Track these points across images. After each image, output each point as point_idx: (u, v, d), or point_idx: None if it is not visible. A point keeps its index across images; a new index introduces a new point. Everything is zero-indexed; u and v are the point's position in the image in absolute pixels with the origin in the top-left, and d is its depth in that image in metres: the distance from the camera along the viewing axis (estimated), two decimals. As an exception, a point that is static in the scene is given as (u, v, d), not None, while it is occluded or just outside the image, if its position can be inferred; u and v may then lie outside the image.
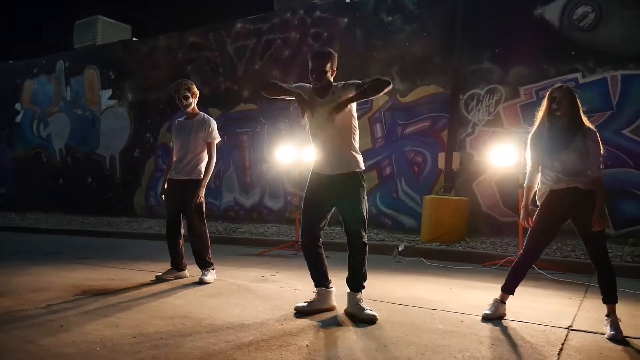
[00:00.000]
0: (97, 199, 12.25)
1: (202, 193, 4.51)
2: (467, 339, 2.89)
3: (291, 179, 8.95)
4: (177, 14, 16.51)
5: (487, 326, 3.19)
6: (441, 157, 7.91)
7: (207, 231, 4.66)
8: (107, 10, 13.49)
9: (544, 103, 3.33)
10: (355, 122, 3.42)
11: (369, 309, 3.29)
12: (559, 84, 3.42)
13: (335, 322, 3.21)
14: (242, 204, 10.17)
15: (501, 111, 7.71)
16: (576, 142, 3.18)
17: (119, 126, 12.13)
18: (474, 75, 7.92)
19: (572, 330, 3.16)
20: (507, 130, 7.52)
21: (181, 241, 4.69)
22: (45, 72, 13.61)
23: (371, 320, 3.18)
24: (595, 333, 3.09)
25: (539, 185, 3.36)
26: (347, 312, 3.34)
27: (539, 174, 3.35)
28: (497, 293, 3.45)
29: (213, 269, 4.61)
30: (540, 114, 3.37)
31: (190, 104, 4.63)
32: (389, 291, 4.23)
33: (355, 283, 3.37)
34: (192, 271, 4.71)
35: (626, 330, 3.06)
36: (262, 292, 4.12)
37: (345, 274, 3.42)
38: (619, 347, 2.86)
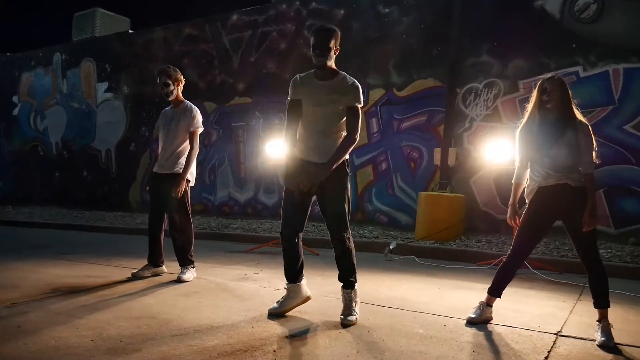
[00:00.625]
0: (93, 192, 12.14)
1: (182, 187, 4.32)
2: (446, 345, 2.72)
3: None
4: (176, 5, 16.38)
5: (471, 331, 3.02)
6: (437, 152, 7.68)
7: (192, 227, 4.48)
8: (106, 2, 13.40)
9: (534, 94, 3.13)
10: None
11: (355, 312, 3.11)
12: (550, 75, 3.21)
13: (308, 324, 3.05)
14: (236, 199, 10.00)
15: (499, 105, 7.49)
16: (567, 137, 2.98)
17: (114, 119, 11.98)
18: (472, 69, 7.69)
19: (560, 336, 2.98)
20: (506, 125, 7.28)
21: (162, 237, 4.53)
22: (42, 65, 13.47)
23: (348, 326, 3.01)
24: (585, 339, 2.91)
25: (528, 181, 3.16)
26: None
27: (528, 170, 3.16)
28: (486, 295, 3.26)
29: (193, 267, 4.44)
30: (529, 106, 3.17)
31: (172, 91, 4.39)
32: (374, 291, 4.05)
33: (342, 278, 3.19)
34: (173, 269, 4.54)
35: (618, 337, 2.88)
36: (240, 292, 3.95)
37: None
38: (609, 355, 2.68)
